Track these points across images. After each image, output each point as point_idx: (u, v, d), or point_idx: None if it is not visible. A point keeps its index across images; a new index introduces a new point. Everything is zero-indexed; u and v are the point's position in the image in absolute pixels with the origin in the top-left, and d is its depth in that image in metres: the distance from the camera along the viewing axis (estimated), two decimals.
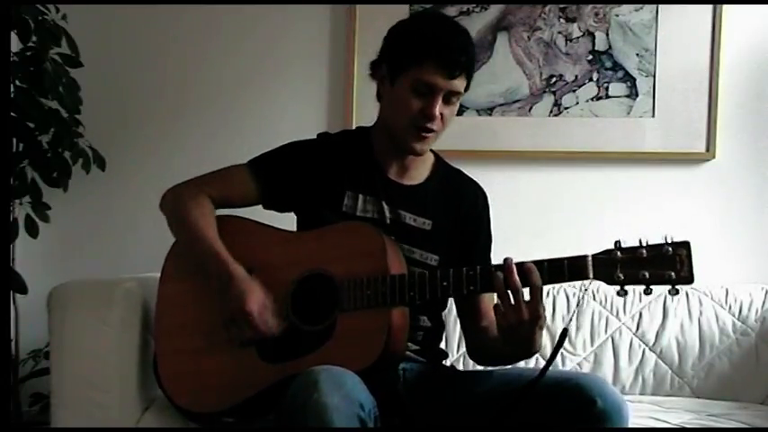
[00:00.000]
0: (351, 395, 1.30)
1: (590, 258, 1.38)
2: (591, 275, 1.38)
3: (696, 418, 1.88)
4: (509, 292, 1.40)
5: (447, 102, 1.58)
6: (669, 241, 1.35)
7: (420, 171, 1.72)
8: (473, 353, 1.75)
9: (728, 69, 2.42)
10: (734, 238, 2.43)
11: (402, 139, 1.62)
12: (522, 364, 2.17)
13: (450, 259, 1.64)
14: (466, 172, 1.79)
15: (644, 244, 1.36)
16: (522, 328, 1.41)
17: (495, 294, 1.43)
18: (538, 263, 1.41)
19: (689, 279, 1.34)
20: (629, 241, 1.37)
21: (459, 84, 1.57)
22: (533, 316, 1.40)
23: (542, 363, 2.18)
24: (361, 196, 1.66)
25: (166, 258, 1.70)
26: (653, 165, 2.48)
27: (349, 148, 1.71)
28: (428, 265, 1.63)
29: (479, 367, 1.79)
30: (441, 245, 1.66)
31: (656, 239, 1.36)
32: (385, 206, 1.66)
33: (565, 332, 1.43)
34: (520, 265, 1.41)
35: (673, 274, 1.34)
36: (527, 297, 1.40)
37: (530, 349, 1.48)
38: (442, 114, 1.58)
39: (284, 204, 1.73)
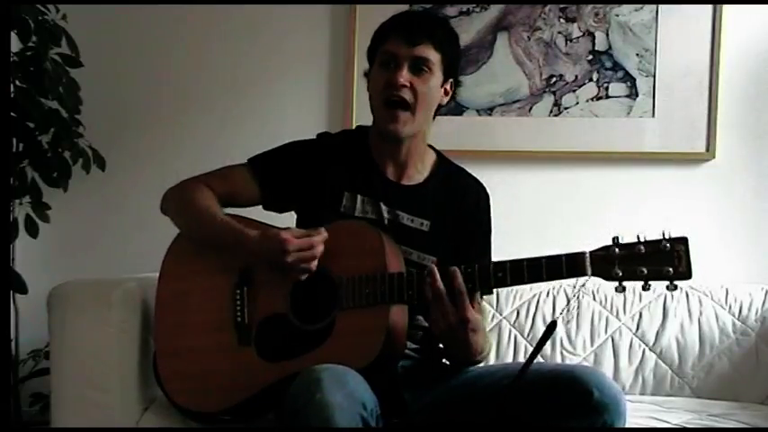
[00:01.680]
0: (354, 394, 1.30)
1: (588, 255, 1.38)
2: (589, 272, 1.38)
3: (696, 418, 1.87)
4: (434, 297, 1.42)
5: (417, 72, 1.60)
6: (667, 237, 1.35)
7: (419, 171, 1.72)
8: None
9: (728, 69, 2.42)
10: (734, 238, 2.43)
11: (379, 123, 1.64)
12: (521, 358, 2.19)
13: (449, 260, 1.64)
14: None
15: (642, 240, 1.36)
16: (454, 333, 1.43)
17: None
18: (536, 260, 1.41)
19: (687, 274, 1.34)
20: (627, 238, 1.37)
21: (425, 51, 1.60)
22: (461, 320, 1.42)
23: (541, 360, 2.19)
24: (359, 197, 1.66)
25: (165, 258, 1.70)
26: (653, 165, 2.48)
27: (348, 149, 1.71)
28: (425, 267, 1.62)
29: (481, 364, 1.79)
30: (439, 246, 1.66)
31: (654, 236, 1.36)
32: (383, 207, 1.66)
33: (553, 324, 1.42)
34: (443, 270, 1.43)
35: (671, 269, 1.34)
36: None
37: (470, 354, 1.51)
38: (413, 85, 1.59)
39: (284, 204, 1.73)
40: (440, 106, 1.69)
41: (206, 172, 1.71)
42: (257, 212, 1.72)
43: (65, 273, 1.99)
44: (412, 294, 1.48)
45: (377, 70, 1.64)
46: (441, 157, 1.76)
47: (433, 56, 1.60)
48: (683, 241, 1.35)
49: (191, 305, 1.63)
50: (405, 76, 1.58)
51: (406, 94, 1.59)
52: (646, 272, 1.35)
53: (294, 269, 1.51)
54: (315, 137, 1.76)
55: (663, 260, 1.34)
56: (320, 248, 1.51)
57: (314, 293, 1.54)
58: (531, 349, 2.22)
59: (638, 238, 1.37)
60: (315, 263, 1.51)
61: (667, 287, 1.35)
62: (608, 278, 1.38)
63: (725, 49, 2.41)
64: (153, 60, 2.66)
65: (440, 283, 1.42)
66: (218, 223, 1.60)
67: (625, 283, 1.37)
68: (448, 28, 1.68)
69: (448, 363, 1.70)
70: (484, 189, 1.76)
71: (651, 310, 2.23)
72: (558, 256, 1.40)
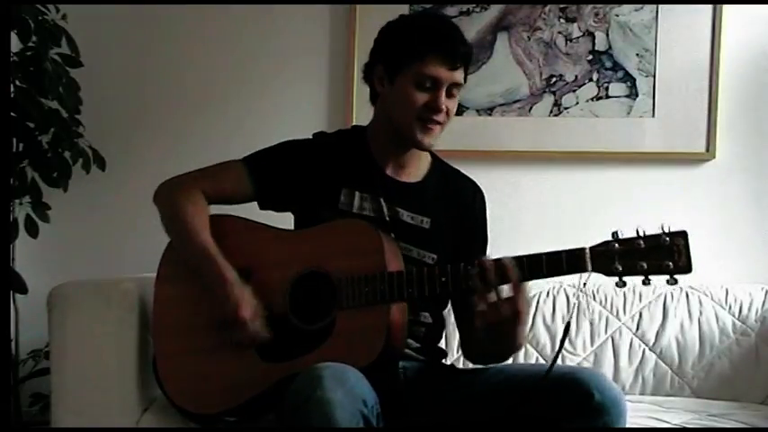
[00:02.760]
0: (354, 391, 1.30)
1: (588, 250, 1.38)
2: (589, 268, 1.38)
3: (696, 418, 1.88)
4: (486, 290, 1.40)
5: (449, 94, 1.60)
6: (666, 231, 1.35)
7: (418, 169, 1.71)
8: (467, 351, 1.74)
9: (728, 69, 2.42)
10: (734, 238, 2.43)
11: (409, 135, 1.62)
12: (521, 359, 2.19)
13: (449, 258, 1.64)
14: (466, 172, 1.79)
15: (641, 234, 1.36)
16: (502, 326, 1.41)
17: None
18: (536, 256, 1.41)
19: (687, 268, 1.34)
20: (627, 233, 1.37)
21: (460, 75, 1.60)
22: (513, 313, 1.39)
23: (535, 358, 2.19)
24: (357, 193, 1.65)
25: (161, 259, 1.69)
26: (653, 165, 2.48)
27: (345, 147, 1.71)
28: (426, 264, 1.63)
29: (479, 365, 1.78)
30: (439, 243, 1.66)
31: (653, 231, 1.36)
32: (383, 203, 1.65)
33: (568, 326, 1.42)
34: (497, 261, 1.41)
35: (671, 263, 1.34)
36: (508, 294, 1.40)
37: (512, 346, 1.49)
38: (447, 108, 1.59)
39: (280, 203, 1.72)
40: None
41: (200, 169, 1.70)
42: (258, 211, 1.73)
43: (65, 273, 1.99)
44: (412, 292, 1.48)
45: (410, 88, 1.58)
46: (436, 158, 1.76)
47: (462, 78, 1.61)
48: (683, 235, 1.34)
49: (189, 306, 1.63)
50: (445, 101, 1.58)
51: (442, 117, 1.59)
52: (646, 266, 1.35)
53: (231, 334, 1.54)
54: (311, 136, 1.75)
55: (663, 254, 1.34)
56: (258, 339, 1.53)
57: (313, 293, 1.54)
58: (531, 349, 2.22)
59: (638, 232, 1.36)
60: (251, 341, 1.53)
61: (668, 281, 1.34)
62: (608, 273, 1.37)
63: (725, 49, 2.41)
64: (153, 60, 2.66)
65: (494, 275, 1.40)
66: (199, 252, 1.58)
67: (625, 279, 1.37)
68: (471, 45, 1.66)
69: (448, 363, 1.71)
70: (479, 189, 1.77)
71: (651, 310, 2.24)
72: (559, 252, 1.40)
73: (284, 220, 1.72)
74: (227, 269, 1.55)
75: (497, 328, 1.42)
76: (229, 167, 1.70)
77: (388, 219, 1.64)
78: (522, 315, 1.40)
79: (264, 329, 1.53)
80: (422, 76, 1.57)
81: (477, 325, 1.44)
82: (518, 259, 1.43)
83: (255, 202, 1.72)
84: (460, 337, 1.76)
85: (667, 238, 1.34)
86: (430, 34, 1.59)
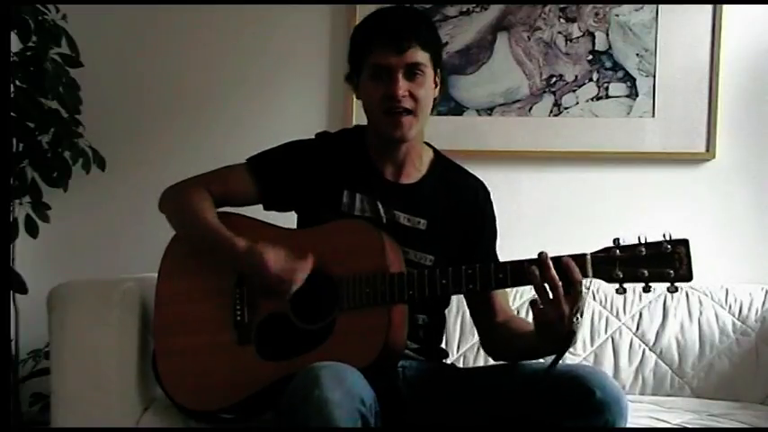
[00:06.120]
0: (352, 390, 1.30)
1: (589, 257, 1.38)
2: (590, 274, 1.38)
3: (696, 418, 1.88)
4: (546, 287, 1.38)
5: (411, 78, 1.57)
6: (668, 239, 1.35)
7: (416, 169, 1.70)
8: (489, 348, 1.72)
9: (728, 69, 2.42)
10: (734, 238, 2.43)
11: (383, 132, 1.61)
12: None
13: (448, 258, 1.63)
14: None
15: (643, 242, 1.36)
16: (561, 323, 1.37)
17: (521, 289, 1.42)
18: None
19: (688, 277, 1.34)
20: (628, 239, 1.37)
21: (415, 55, 1.56)
22: (573, 310, 1.37)
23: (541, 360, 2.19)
24: (358, 195, 1.66)
25: (163, 257, 1.70)
26: (653, 165, 2.48)
27: (346, 148, 1.70)
28: (423, 266, 1.62)
29: (479, 364, 1.78)
30: (436, 245, 1.65)
31: (655, 238, 1.36)
32: (380, 206, 1.65)
33: (572, 333, 1.42)
34: (557, 259, 1.39)
35: (671, 271, 1.35)
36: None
37: (567, 345, 1.43)
38: (411, 92, 1.56)
39: (284, 204, 1.73)
40: (434, 100, 1.66)
41: (204, 172, 1.71)
42: (260, 211, 1.73)
43: (65, 273, 1.99)
44: (413, 294, 1.48)
45: (369, 83, 1.59)
46: (438, 154, 1.75)
47: (423, 57, 1.57)
48: (684, 243, 1.35)
49: (190, 304, 1.63)
50: (402, 86, 1.55)
51: (407, 103, 1.56)
52: (647, 274, 1.35)
53: (269, 292, 1.53)
54: (313, 136, 1.75)
55: (664, 262, 1.35)
56: (302, 276, 1.52)
57: (314, 293, 1.54)
58: None
59: (639, 239, 1.37)
60: (293, 288, 1.52)
61: (668, 289, 1.35)
62: (609, 280, 1.38)
63: (725, 49, 2.41)
64: (153, 60, 2.66)
65: (555, 272, 1.37)
66: (209, 231, 1.59)
67: (626, 285, 1.38)
68: (429, 22, 1.64)
69: (448, 363, 1.70)
70: (482, 184, 1.75)
71: (651, 310, 2.24)
72: (560, 258, 1.40)
73: (288, 220, 1.72)
74: (237, 239, 1.55)
75: (555, 326, 1.38)
76: (233, 170, 1.70)
77: (384, 222, 1.64)
78: (579, 311, 1.38)
79: (301, 270, 1.52)
80: (374, 68, 1.57)
81: (536, 321, 1.41)
82: (518, 264, 1.43)
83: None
84: (479, 335, 1.75)
85: (669, 246, 1.35)
86: (373, 25, 1.60)
